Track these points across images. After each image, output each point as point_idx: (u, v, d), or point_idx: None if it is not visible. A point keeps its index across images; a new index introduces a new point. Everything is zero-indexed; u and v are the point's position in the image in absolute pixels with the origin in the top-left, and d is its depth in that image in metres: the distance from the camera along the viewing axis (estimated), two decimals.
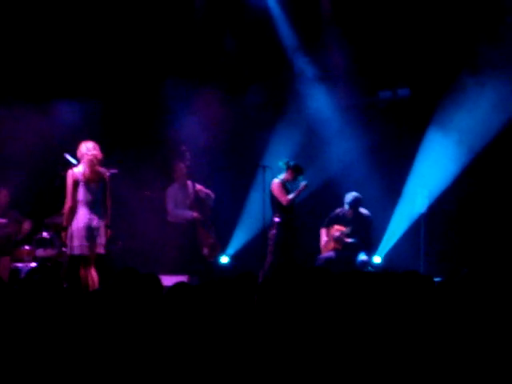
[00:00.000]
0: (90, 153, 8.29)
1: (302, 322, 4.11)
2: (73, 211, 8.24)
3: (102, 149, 8.46)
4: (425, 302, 4.34)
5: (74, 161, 8.57)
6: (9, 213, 10.02)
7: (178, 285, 4.41)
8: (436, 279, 5.24)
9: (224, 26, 11.06)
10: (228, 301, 4.43)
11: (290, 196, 9.50)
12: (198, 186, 10.69)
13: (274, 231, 9.49)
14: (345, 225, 9.89)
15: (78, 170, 8.27)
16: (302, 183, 9.56)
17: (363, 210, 10.04)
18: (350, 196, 9.96)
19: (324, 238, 10.07)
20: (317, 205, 10.73)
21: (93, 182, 8.28)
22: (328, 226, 10.06)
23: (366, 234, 9.94)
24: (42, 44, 10.66)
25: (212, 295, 4.40)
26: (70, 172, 8.26)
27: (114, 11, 10.70)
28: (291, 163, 9.60)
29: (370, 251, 10.10)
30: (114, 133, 10.78)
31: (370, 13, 10.41)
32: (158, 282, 4.64)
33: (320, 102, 11.22)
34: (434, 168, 10.42)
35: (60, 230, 8.68)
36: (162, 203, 10.78)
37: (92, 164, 8.26)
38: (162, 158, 11.02)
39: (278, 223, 9.49)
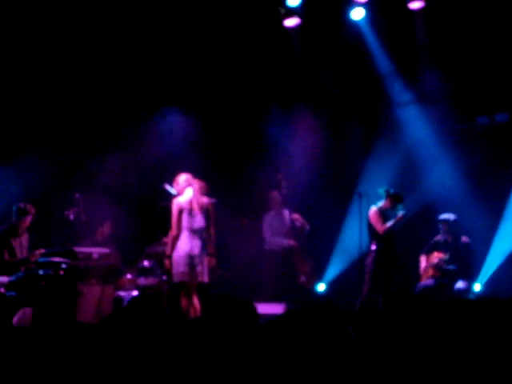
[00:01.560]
0: (195, 182, 8.58)
1: (401, 352, 4.10)
2: (176, 239, 8.50)
3: (202, 178, 8.73)
4: None
5: (173, 191, 8.85)
6: (110, 244, 10.38)
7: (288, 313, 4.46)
8: None
9: (321, 57, 11.17)
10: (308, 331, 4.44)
11: (387, 225, 9.51)
12: (295, 215, 10.82)
13: (370, 259, 9.51)
14: (444, 251, 9.81)
15: (183, 199, 8.55)
16: (400, 213, 9.56)
17: (463, 237, 9.94)
18: (450, 216, 9.87)
19: (423, 264, 10.02)
20: (416, 230, 10.68)
21: (198, 210, 8.55)
22: (428, 252, 10.01)
23: (466, 260, 9.83)
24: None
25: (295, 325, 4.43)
26: (174, 201, 8.56)
27: (222, 42, 10.93)
28: (391, 191, 9.64)
29: (470, 278, 9.97)
30: (212, 162, 11.02)
31: (468, 38, 10.35)
32: (254, 309, 4.73)
33: (417, 128, 11.19)
34: None
35: (162, 259, 8.96)
36: (259, 232, 10.94)
37: (200, 193, 8.55)
38: (259, 186, 11.20)
39: (374, 251, 9.51)
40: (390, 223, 9.54)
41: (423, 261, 10.07)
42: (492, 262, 10.45)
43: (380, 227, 9.52)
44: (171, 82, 11.03)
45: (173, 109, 11.26)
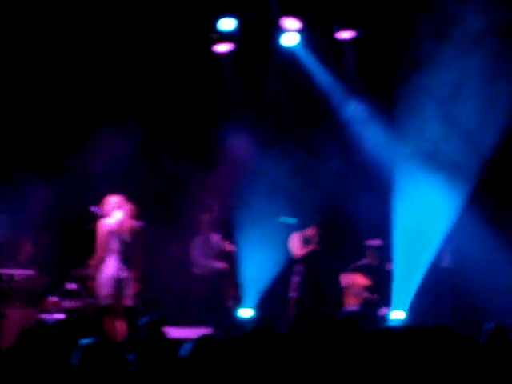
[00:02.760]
0: (125, 205, 8.57)
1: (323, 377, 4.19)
2: (102, 262, 8.47)
3: (131, 199, 8.75)
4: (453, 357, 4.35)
5: (99, 213, 8.81)
6: (34, 265, 10.25)
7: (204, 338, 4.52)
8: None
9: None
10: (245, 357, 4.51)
11: (303, 251, 9.74)
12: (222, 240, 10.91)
13: (295, 282, 9.70)
14: (367, 275, 10.03)
15: (112, 221, 8.52)
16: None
17: (387, 264, 10.18)
18: (376, 242, 10.12)
19: (343, 281, 10.16)
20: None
21: (126, 233, 8.54)
22: (351, 272, 10.18)
23: (389, 287, 10.07)
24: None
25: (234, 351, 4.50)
26: (102, 223, 8.52)
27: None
28: (318, 219, 9.86)
29: (392, 306, 10.21)
30: (139, 185, 11.02)
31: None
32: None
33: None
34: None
35: (87, 281, 8.91)
36: (187, 255, 10.97)
37: (129, 216, 8.55)
38: (189, 210, 11.25)
39: (298, 274, 9.71)
40: (306, 249, 9.78)
41: (343, 278, 10.21)
42: (411, 288, 10.70)
43: (296, 251, 9.77)
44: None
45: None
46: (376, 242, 10.22)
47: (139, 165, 11.31)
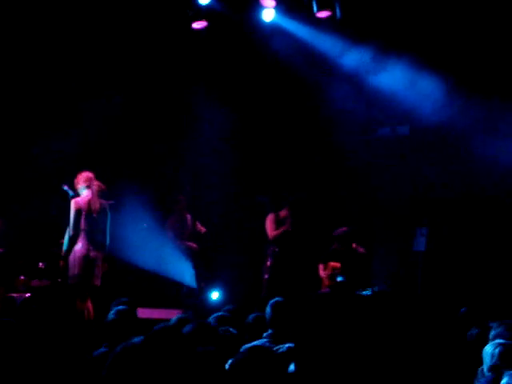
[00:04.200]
0: (94, 183, 8.51)
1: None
2: (74, 241, 8.42)
3: (100, 179, 8.69)
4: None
5: (71, 192, 8.77)
6: (2, 243, 10.20)
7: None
8: None
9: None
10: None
11: (277, 231, 9.73)
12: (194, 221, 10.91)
13: (267, 263, 9.71)
14: (338, 261, 10.09)
15: (82, 200, 8.47)
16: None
17: (360, 248, 10.21)
18: (340, 231, 10.17)
19: (321, 272, 10.25)
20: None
21: (95, 212, 8.50)
22: (324, 261, 10.25)
23: (360, 270, 10.12)
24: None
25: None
26: (73, 201, 8.46)
27: None
28: (290, 198, 9.84)
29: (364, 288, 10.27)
30: (112, 163, 10.98)
31: None
32: None
33: None
34: None
35: (57, 260, 8.87)
36: (160, 236, 10.95)
37: (97, 194, 8.49)
38: (162, 190, 11.24)
39: (271, 255, 9.72)
40: (279, 230, 9.77)
41: (321, 269, 10.31)
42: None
43: (270, 232, 9.77)
44: None
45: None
46: (342, 229, 10.25)
47: (114, 141, 11.27)
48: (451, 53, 10.09)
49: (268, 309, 5.53)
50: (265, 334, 5.41)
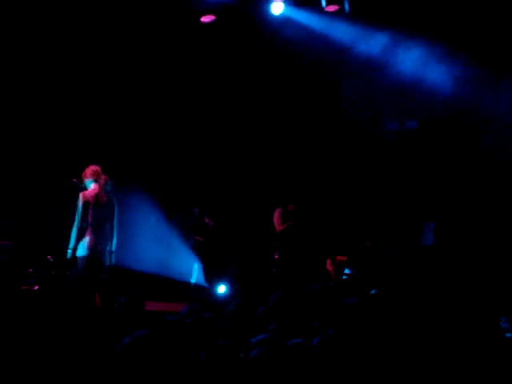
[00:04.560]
0: (102, 176, 8.54)
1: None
2: (81, 233, 8.46)
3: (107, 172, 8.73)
4: None
5: (80, 185, 8.79)
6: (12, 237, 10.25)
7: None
8: None
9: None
10: None
11: (284, 226, 9.79)
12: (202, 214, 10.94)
13: (275, 256, 9.79)
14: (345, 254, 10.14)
15: (89, 193, 8.51)
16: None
17: (367, 242, 10.25)
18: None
19: (329, 267, 10.28)
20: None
21: (102, 205, 8.52)
22: (332, 256, 10.28)
23: (367, 263, 10.13)
24: None
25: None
26: (82, 194, 8.50)
27: None
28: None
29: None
30: (120, 157, 11.02)
31: None
32: None
33: None
34: None
35: (64, 253, 8.89)
36: (168, 230, 10.98)
37: (104, 187, 8.52)
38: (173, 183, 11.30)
39: (277, 248, 9.80)
40: (285, 225, 9.84)
41: (329, 263, 10.33)
42: None
43: (277, 227, 9.84)
44: None
45: None
46: None
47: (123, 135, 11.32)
48: (462, 41, 10.10)
49: (270, 303, 5.55)
50: (269, 328, 5.43)
